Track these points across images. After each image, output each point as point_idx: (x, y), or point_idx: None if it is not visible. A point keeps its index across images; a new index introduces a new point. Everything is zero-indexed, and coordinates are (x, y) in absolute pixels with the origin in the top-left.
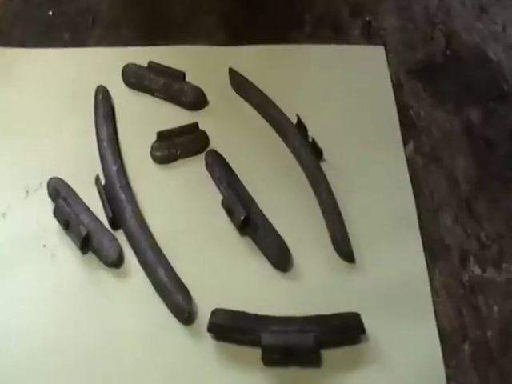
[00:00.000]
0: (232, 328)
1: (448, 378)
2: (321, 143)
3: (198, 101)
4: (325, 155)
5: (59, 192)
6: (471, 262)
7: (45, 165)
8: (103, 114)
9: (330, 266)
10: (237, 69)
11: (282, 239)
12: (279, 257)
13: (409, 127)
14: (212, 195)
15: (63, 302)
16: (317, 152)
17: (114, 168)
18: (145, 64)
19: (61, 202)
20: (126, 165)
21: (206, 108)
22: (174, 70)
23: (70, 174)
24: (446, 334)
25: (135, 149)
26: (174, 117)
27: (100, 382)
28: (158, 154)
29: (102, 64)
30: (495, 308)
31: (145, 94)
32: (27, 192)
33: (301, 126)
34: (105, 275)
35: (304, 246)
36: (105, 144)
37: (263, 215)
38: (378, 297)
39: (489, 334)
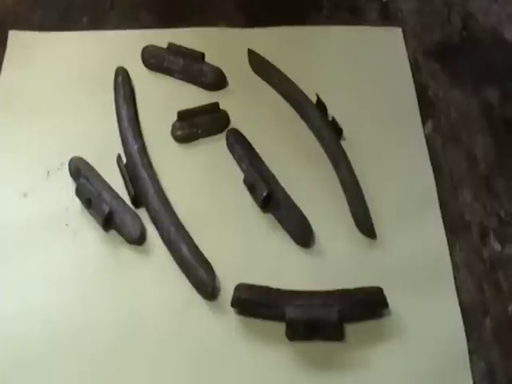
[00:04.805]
0: (256, 302)
1: (470, 352)
2: (340, 122)
3: (217, 81)
4: (344, 134)
5: (81, 171)
6: (491, 238)
7: (65, 146)
8: (123, 94)
9: (352, 241)
10: (255, 50)
11: (303, 216)
12: (301, 233)
13: (427, 107)
14: (233, 173)
15: (86, 280)
16: (337, 130)
17: (136, 147)
18: (164, 46)
19: (83, 180)
20: (147, 144)
21: (225, 88)
22: (194, 51)
23: (91, 154)
24: (467, 309)
25: (156, 129)
26: (194, 97)
27: (125, 358)
28: (179, 133)
29: (121, 46)
30: None
31: (164, 76)
32: (48, 172)
33: (321, 105)
34: (127, 253)
35: (326, 222)
36: (125, 124)
37: (285, 192)
38: (400, 272)
39: (509, 308)
